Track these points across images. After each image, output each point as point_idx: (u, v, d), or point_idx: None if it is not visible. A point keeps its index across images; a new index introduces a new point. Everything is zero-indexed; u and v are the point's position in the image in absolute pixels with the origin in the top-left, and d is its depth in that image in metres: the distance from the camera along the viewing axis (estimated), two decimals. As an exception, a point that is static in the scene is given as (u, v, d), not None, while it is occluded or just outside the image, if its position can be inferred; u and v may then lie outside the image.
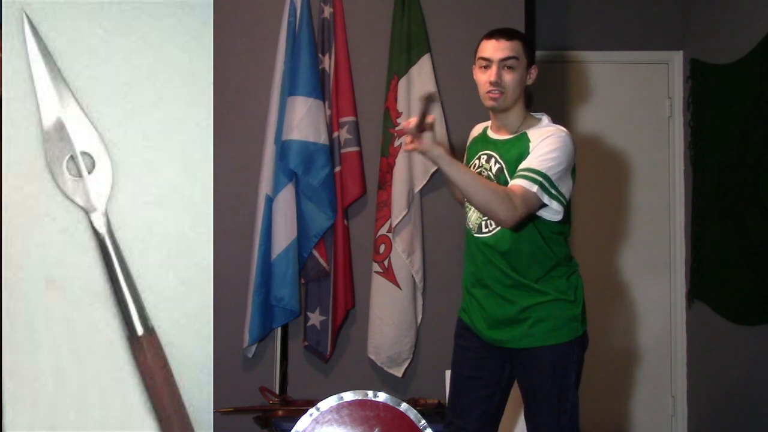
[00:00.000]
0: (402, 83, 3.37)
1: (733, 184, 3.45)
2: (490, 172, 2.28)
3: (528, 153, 2.20)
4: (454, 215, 3.25)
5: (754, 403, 3.32)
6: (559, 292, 2.24)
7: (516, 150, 2.25)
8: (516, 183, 2.14)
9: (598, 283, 4.07)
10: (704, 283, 3.77)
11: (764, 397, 3.23)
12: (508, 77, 2.23)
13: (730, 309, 3.51)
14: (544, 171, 2.13)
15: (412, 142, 2.05)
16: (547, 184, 2.14)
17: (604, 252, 4.08)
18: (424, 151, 2.05)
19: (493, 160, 2.29)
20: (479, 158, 2.34)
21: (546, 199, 2.15)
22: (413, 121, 2.02)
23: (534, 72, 2.29)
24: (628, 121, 4.09)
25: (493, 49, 2.24)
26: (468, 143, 2.49)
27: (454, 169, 2.09)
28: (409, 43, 3.39)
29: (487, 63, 2.25)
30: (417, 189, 3.34)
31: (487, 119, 2.44)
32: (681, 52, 4.03)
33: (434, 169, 3.34)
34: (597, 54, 4.07)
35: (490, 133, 2.37)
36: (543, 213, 2.22)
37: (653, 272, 4.06)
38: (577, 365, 2.27)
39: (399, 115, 3.35)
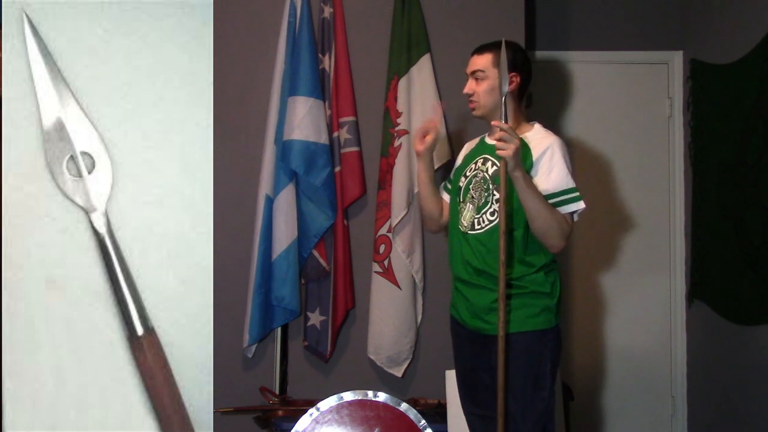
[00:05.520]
0: (402, 83, 3.37)
1: (733, 184, 3.45)
2: (486, 174, 2.45)
3: (529, 155, 2.37)
4: (454, 215, 3.25)
5: (754, 403, 3.32)
6: (536, 284, 2.38)
7: None
8: (563, 210, 2.34)
9: (598, 283, 4.08)
10: (704, 283, 3.77)
11: (764, 397, 3.23)
12: (479, 88, 2.46)
13: (730, 309, 3.51)
14: (574, 186, 2.36)
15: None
16: (579, 193, 2.37)
17: (604, 252, 4.08)
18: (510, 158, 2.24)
19: (489, 162, 2.46)
20: (476, 162, 2.52)
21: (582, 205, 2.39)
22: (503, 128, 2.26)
23: (515, 79, 2.44)
24: (628, 121, 4.09)
25: (469, 64, 2.50)
26: (462, 155, 2.66)
27: (530, 188, 2.29)
28: (409, 43, 3.39)
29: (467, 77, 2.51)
30: (417, 189, 3.34)
31: (485, 126, 2.60)
32: (681, 52, 4.03)
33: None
34: (597, 54, 4.07)
35: (487, 140, 2.53)
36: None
37: (653, 272, 4.06)
38: (552, 353, 2.37)
39: (399, 114, 3.35)
